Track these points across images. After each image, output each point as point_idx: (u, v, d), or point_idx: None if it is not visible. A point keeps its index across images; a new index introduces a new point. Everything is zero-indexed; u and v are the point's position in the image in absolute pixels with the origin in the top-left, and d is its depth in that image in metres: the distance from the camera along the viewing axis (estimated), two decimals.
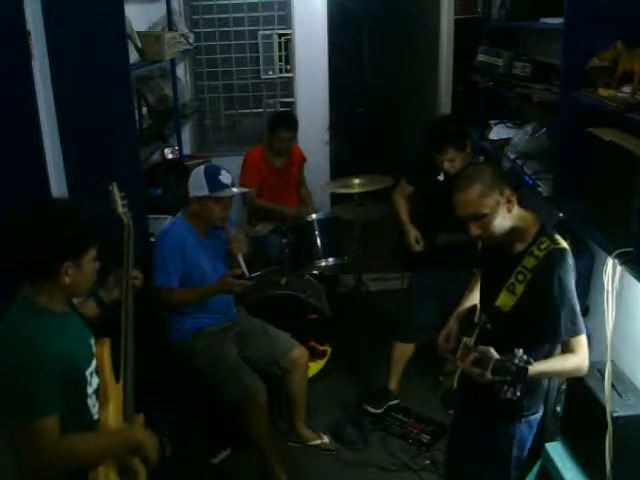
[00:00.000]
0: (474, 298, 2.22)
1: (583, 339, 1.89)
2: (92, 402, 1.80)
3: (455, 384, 1.97)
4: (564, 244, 1.93)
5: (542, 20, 2.87)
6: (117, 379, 1.90)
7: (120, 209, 2.14)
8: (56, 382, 1.63)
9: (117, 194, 2.16)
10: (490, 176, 1.93)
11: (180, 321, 2.91)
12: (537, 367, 1.78)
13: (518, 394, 1.73)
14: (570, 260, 1.91)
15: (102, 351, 1.86)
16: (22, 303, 1.71)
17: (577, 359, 1.88)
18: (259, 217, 4.07)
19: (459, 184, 1.96)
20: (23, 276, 1.71)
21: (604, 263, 2.30)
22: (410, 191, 3.42)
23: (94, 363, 1.81)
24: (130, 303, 2.02)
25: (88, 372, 1.77)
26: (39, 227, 1.67)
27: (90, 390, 1.78)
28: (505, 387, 1.72)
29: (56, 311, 1.73)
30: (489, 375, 1.74)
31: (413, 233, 3.32)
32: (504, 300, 1.96)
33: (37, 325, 1.66)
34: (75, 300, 1.90)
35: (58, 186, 2.79)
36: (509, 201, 1.93)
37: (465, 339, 1.96)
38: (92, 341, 1.85)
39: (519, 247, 1.97)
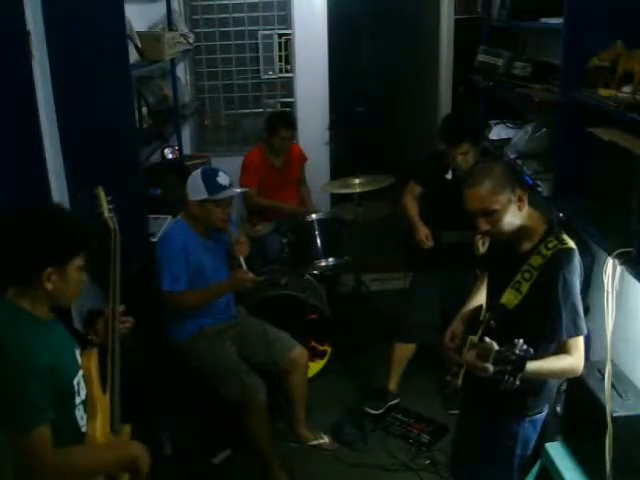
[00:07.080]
0: (479, 299, 2.21)
1: (581, 340, 1.90)
2: (80, 414, 1.75)
3: (460, 382, 1.97)
4: (571, 244, 1.92)
5: (542, 20, 2.88)
6: (104, 390, 1.85)
7: (106, 213, 2.08)
8: (48, 391, 1.60)
9: (103, 198, 2.10)
10: (503, 173, 1.92)
11: (180, 321, 2.90)
12: (532, 364, 1.77)
13: (517, 383, 1.73)
14: (576, 261, 1.90)
15: (90, 362, 1.81)
16: (7, 307, 1.67)
17: (572, 360, 1.88)
18: (259, 217, 4.08)
19: (471, 178, 1.94)
20: (5, 279, 1.67)
21: (604, 263, 2.30)
22: (419, 191, 3.40)
23: (80, 373, 1.77)
24: (117, 313, 1.93)
25: (75, 381, 1.73)
26: (23, 231, 1.64)
27: (78, 400, 1.74)
28: (505, 377, 1.72)
29: (41, 318, 1.69)
30: (491, 366, 1.74)
31: (423, 230, 3.25)
32: (509, 298, 1.96)
33: (25, 332, 1.63)
34: None
35: (58, 186, 2.79)
36: (520, 200, 1.92)
37: (470, 337, 1.97)
38: (77, 351, 1.81)
39: (526, 246, 1.96)
